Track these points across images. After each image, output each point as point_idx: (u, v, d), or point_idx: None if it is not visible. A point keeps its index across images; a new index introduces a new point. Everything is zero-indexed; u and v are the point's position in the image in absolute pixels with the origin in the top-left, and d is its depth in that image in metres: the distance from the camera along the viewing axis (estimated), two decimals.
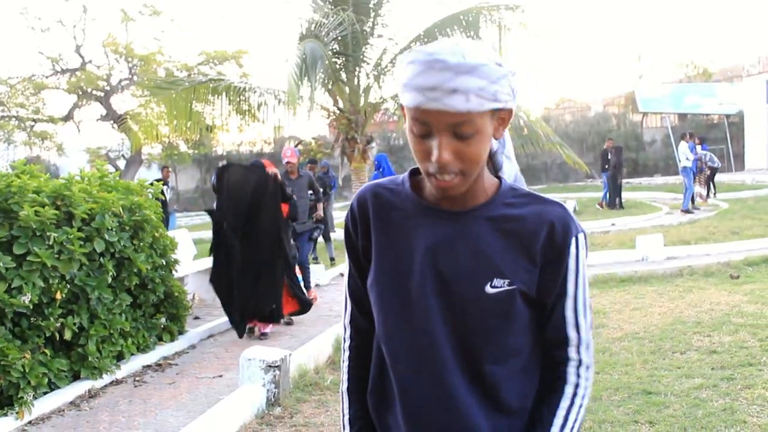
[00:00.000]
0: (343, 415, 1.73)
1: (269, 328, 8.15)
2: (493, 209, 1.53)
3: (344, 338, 1.76)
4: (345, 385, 1.74)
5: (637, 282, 9.48)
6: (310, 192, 10.07)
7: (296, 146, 21.54)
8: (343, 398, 1.74)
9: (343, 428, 1.72)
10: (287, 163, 9.62)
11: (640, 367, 5.80)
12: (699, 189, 19.47)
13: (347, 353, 1.75)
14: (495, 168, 1.66)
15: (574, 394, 1.56)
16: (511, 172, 1.69)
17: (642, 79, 44.66)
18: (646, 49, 56.14)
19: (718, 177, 21.84)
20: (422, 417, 1.56)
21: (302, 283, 8.94)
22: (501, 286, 1.50)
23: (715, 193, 20.84)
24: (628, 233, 13.96)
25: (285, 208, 8.24)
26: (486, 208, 1.54)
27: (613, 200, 20.01)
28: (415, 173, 1.64)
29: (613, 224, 15.87)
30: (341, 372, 1.76)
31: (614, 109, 40.29)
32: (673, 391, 5.20)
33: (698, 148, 19.65)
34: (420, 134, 1.41)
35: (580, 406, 1.56)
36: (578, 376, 1.58)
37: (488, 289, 1.50)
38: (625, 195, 23.95)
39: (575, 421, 1.56)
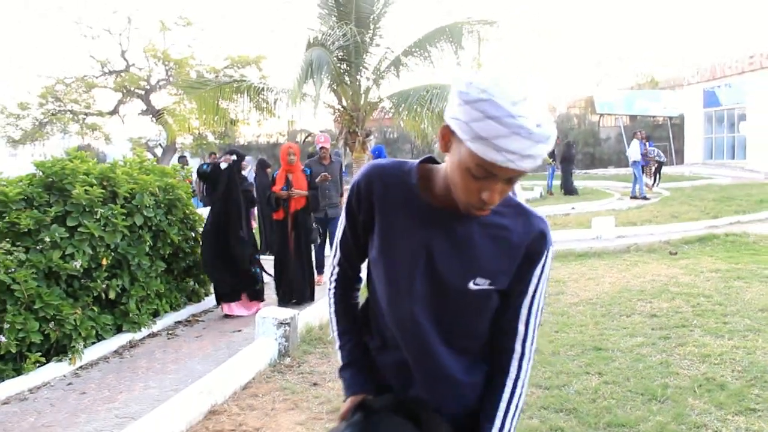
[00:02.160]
0: (333, 331, 1.77)
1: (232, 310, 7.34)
2: (485, 215, 1.48)
3: (332, 273, 1.78)
4: (332, 308, 1.77)
5: (592, 257, 9.49)
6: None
7: (306, 138, 21.31)
8: (331, 318, 1.77)
9: (335, 341, 1.76)
10: (321, 148, 8.73)
11: (592, 328, 5.82)
12: (646, 179, 19.44)
13: (333, 284, 1.76)
14: None
15: (514, 386, 1.56)
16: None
17: (600, 85, 44.46)
18: (603, 58, 55.94)
19: (663, 170, 21.79)
20: (410, 367, 1.58)
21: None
22: (482, 285, 1.50)
23: (658, 183, 20.83)
24: (585, 215, 13.95)
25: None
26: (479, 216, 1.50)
27: (569, 187, 20.01)
28: (424, 162, 1.59)
29: (573, 208, 15.84)
30: (328, 297, 1.79)
31: (576, 110, 40.14)
32: (619, 347, 5.23)
33: (646, 144, 19.63)
34: (478, 177, 1.34)
35: (520, 396, 1.57)
36: (519, 368, 1.57)
37: (471, 286, 1.49)
38: (584, 183, 23.97)
39: (516, 409, 1.57)
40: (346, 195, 1.71)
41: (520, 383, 1.57)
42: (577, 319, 6.15)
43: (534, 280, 1.54)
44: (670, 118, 34.56)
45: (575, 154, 20.77)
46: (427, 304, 1.53)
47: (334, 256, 1.75)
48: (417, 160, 1.60)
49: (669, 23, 61.78)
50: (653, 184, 20.40)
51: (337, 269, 1.76)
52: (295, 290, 7.57)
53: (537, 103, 1.29)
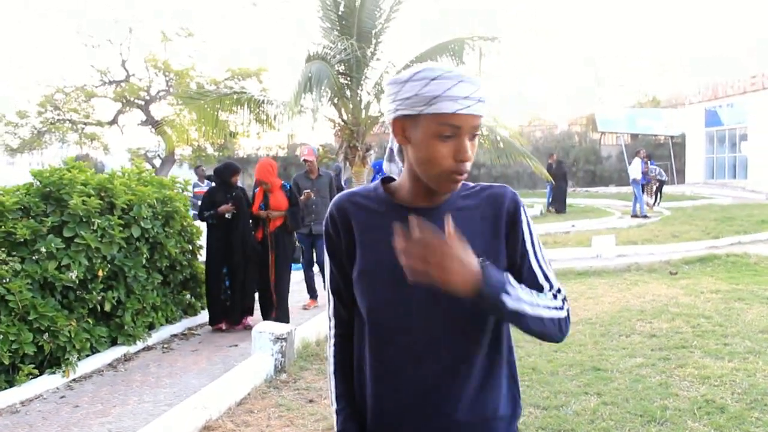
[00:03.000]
0: (331, 392, 1.71)
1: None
2: (455, 202, 1.56)
3: (329, 327, 1.74)
4: (331, 368, 1.72)
5: (592, 275, 9.49)
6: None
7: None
8: (330, 379, 1.72)
9: (332, 403, 1.71)
10: (305, 161, 8.28)
11: (592, 348, 5.81)
12: (647, 198, 19.48)
13: (332, 340, 1.72)
14: None
15: (553, 297, 1.56)
16: None
17: (601, 102, 44.72)
18: (605, 76, 56.29)
19: (663, 189, 21.85)
20: (398, 394, 1.55)
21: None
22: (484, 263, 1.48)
23: (659, 203, 20.87)
24: (585, 234, 13.96)
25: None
26: (450, 203, 1.56)
27: (560, 205, 20.09)
28: (385, 181, 1.66)
29: (573, 226, 15.87)
30: (327, 356, 1.74)
31: (577, 128, 40.28)
32: (618, 368, 5.22)
33: (648, 163, 19.69)
34: (446, 136, 1.44)
35: (556, 308, 1.53)
36: (555, 298, 1.57)
37: None
38: (585, 201, 24.05)
39: (542, 307, 1.50)
40: None
41: (559, 303, 1.56)
42: (576, 338, 6.14)
43: (528, 239, 1.58)
44: (672, 137, 34.71)
45: (566, 171, 20.85)
46: (428, 303, 1.51)
47: (329, 306, 1.73)
48: (377, 180, 1.68)
49: (671, 42, 62.17)
50: (654, 204, 20.44)
51: (333, 321, 1.73)
52: (275, 315, 7.14)
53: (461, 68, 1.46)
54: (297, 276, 9.69)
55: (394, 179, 1.67)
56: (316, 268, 8.41)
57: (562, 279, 9.01)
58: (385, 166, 1.72)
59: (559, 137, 38.21)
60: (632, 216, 17.66)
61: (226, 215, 7.17)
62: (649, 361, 5.37)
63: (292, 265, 7.66)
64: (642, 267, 9.84)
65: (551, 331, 1.53)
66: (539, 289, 1.56)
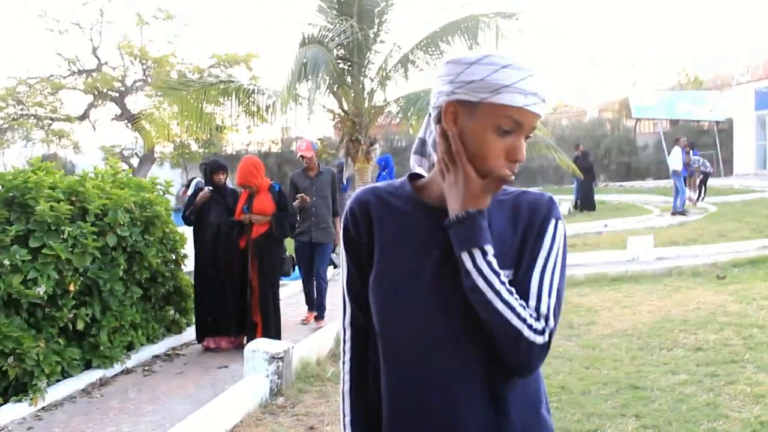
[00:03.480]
0: (344, 416, 1.69)
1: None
2: (491, 206, 1.55)
3: (344, 339, 1.71)
4: (346, 386, 1.69)
5: (628, 281, 9.48)
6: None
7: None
8: (344, 399, 1.69)
9: (344, 428, 1.69)
10: (302, 157, 8.07)
11: (628, 363, 5.81)
12: (690, 193, 19.45)
13: (348, 354, 1.70)
14: None
15: (528, 314, 1.47)
16: None
17: (635, 86, 44.64)
18: (639, 57, 56.17)
19: (708, 181, 21.81)
20: (415, 412, 1.55)
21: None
22: (509, 278, 1.52)
23: (704, 197, 20.81)
24: (619, 234, 13.95)
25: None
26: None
27: (587, 201, 20.11)
28: (413, 178, 1.66)
29: (606, 225, 15.86)
30: (342, 372, 1.71)
31: (608, 115, 40.19)
32: (659, 386, 5.21)
33: (690, 153, 19.65)
34: (505, 131, 1.47)
35: (522, 319, 1.46)
36: (535, 321, 1.47)
37: None
38: (618, 197, 24.02)
39: (515, 312, 1.46)
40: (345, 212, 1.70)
41: (529, 321, 1.47)
42: (610, 353, 6.13)
43: (543, 253, 1.55)
44: (717, 122, 34.58)
45: (592, 164, 20.88)
46: (453, 315, 1.52)
47: (344, 314, 1.71)
48: (404, 176, 1.69)
49: (714, 15, 62.01)
50: (698, 198, 20.39)
51: (349, 332, 1.71)
52: (258, 335, 6.95)
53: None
54: (294, 287, 9.70)
55: (422, 176, 1.67)
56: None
57: (593, 286, 9.05)
58: (414, 159, 1.72)
59: (589, 126, 38.12)
60: (673, 213, 17.64)
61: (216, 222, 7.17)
62: (694, 377, 5.36)
63: (285, 276, 7.62)
64: (685, 271, 9.82)
65: (505, 337, 1.46)
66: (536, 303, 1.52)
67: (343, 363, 1.71)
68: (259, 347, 5.57)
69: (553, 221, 1.58)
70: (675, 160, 17.95)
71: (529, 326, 1.46)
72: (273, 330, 7.00)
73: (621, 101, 38.97)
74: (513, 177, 1.50)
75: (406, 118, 11.34)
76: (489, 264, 1.46)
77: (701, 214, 17.33)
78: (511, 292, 1.46)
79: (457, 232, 1.46)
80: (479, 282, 1.44)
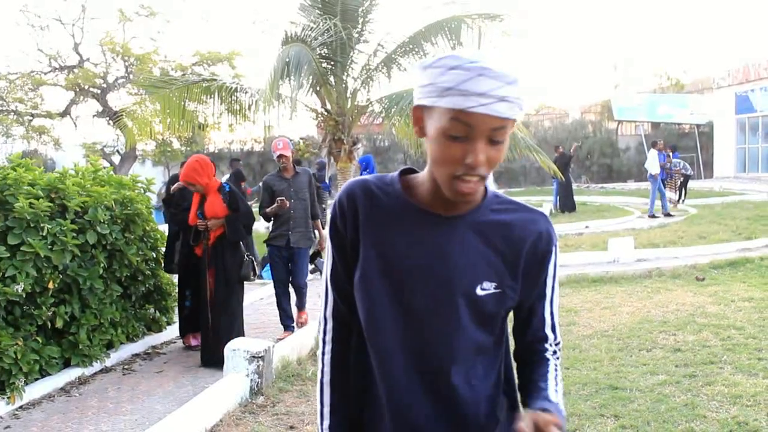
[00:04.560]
0: (323, 405, 1.68)
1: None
2: (482, 215, 1.56)
3: (324, 330, 1.70)
4: (326, 377, 1.68)
5: (608, 282, 9.53)
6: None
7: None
8: (322, 389, 1.68)
9: (322, 418, 1.67)
10: (279, 157, 7.77)
11: (608, 364, 5.84)
12: (670, 194, 19.56)
13: (328, 345, 1.68)
14: None
15: (556, 368, 1.65)
16: (488, 185, 1.69)
17: (618, 88, 44.92)
18: (621, 59, 56.58)
19: (689, 184, 21.97)
20: (411, 410, 1.57)
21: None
22: (489, 289, 1.54)
23: (684, 200, 20.95)
24: (600, 236, 14.02)
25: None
26: (475, 214, 1.57)
27: (566, 202, 20.24)
28: (404, 173, 1.65)
29: (586, 227, 15.93)
30: (320, 363, 1.70)
31: (591, 117, 40.41)
32: (638, 386, 5.24)
33: (670, 155, 19.77)
34: (456, 136, 1.41)
35: (559, 378, 1.65)
36: (556, 359, 1.67)
37: (478, 292, 1.53)
38: (599, 199, 24.14)
39: (560, 385, 1.64)
40: (328, 214, 1.71)
41: (558, 368, 1.67)
42: (590, 353, 6.16)
43: (549, 281, 1.63)
44: (698, 125, 34.90)
45: (567, 162, 20.99)
46: (433, 319, 1.54)
47: (325, 305, 1.70)
48: (396, 172, 1.66)
49: (695, 20, 62.48)
50: (678, 200, 20.52)
51: (330, 323, 1.69)
52: (205, 348, 6.67)
53: (497, 57, 1.42)
54: (268, 290, 9.59)
55: (414, 171, 1.66)
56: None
57: (574, 287, 9.09)
58: None
59: (571, 127, 38.29)
60: (650, 216, 17.72)
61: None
62: (672, 378, 5.40)
63: (264, 274, 7.45)
64: (665, 272, 9.89)
65: None
66: (542, 339, 1.65)
67: (323, 354, 1.70)
68: (239, 346, 5.55)
69: (554, 249, 1.61)
70: (652, 163, 18.02)
71: (558, 368, 1.67)
72: (224, 337, 6.29)
73: (603, 103, 39.25)
74: (471, 183, 1.44)
75: (389, 118, 11.32)
76: (555, 400, 1.59)
77: (681, 217, 17.45)
78: (554, 383, 1.63)
79: None
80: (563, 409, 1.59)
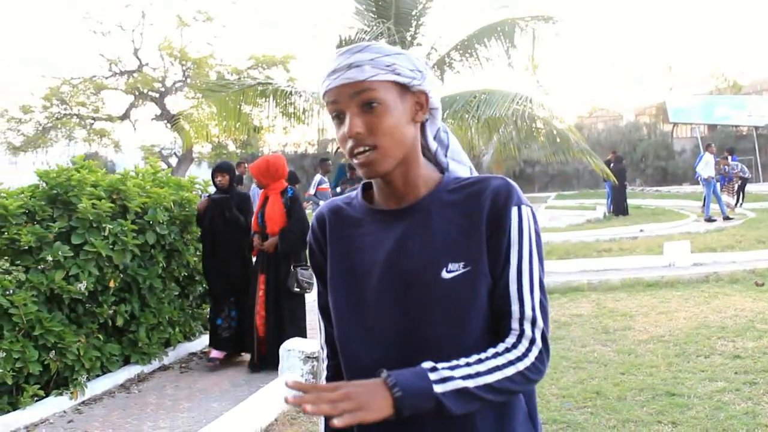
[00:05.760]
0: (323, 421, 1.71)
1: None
2: (437, 198, 1.51)
3: (323, 358, 1.72)
4: None
5: (664, 287, 9.35)
6: None
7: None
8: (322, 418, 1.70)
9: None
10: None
11: (665, 369, 5.72)
12: (728, 198, 19.16)
13: (326, 372, 1.71)
14: (440, 169, 1.62)
15: (506, 350, 1.41)
16: (462, 174, 1.63)
17: (673, 90, 44.15)
18: (676, 61, 55.60)
19: (747, 187, 21.48)
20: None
21: None
22: (457, 270, 1.45)
23: (742, 203, 20.50)
24: (655, 239, 13.77)
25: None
26: (430, 198, 1.52)
27: (620, 206, 19.99)
28: (367, 187, 1.64)
29: (641, 230, 15.68)
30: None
31: (645, 119, 39.83)
32: (696, 393, 5.12)
33: (729, 158, 19.40)
34: (335, 116, 1.47)
35: (509, 363, 1.40)
36: (517, 342, 1.43)
37: (444, 275, 1.45)
38: (654, 202, 23.74)
39: (492, 368, 1.38)
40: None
41: (515, 352, 1.42)
42: (646, 359, 6.04)
43: (514, 248, 1.46)
44: (756, 127, 34.05)
45: (624, 168, 20.73)
46: (403, 317, 1.48)
47: (320, 333, 1.71)
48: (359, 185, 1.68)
49: (752, 21, 61.04)
50: (736, 204, 20.09)
51: (326, 350, 1.70)
52: (263, 353, 6.42)
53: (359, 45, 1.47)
54: None
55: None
56: None
57: (629, 291, 8.93)
58: (453, 166, 1.67)
59: (625, 129, 37.82)
60: (706, 219, 17.38)
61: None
62: (732, 385, 5.26)
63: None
64: (722, 277, 9.65)
65: (512, 388, 1.41)
66: (506, 314, 1.45)
67: (325, 380, 1.72)
68: (294, 346, 5.58)
69: (514, 210, 1.47)
70: (706, 167, 17.62)
71: (517, 359, 1.40)
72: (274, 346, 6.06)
73: (658, 105, 38.63)
74: (360, 155, 1.44)
75: (443, 121, 11.29)
76: (450, 378, 1.34)
77: (739, 220, 17.06)
78: (480, 361, 1.38)
79: (409, 401, 1.29)
80: (463, 385, 1.34)
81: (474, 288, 1.45)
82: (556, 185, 37.11)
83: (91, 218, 5.89)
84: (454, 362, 1.37)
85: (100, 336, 5.96)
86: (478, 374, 1.36)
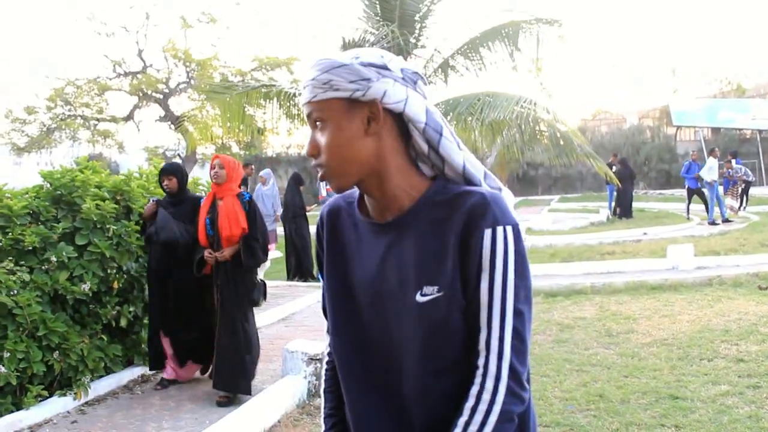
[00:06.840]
0: (322, 411, 1.73)
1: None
2: (420, 212, 1.44)
3: (327, 345, 1.71)
4: (326, 386, 1.72)
5: (667, 290, 9.33)
6: None
7: None
8: (323, 397, 1.72)
9: (322, 422, 1.72)
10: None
11: (668, 373, 5.71)
12: (731, 202, 19.14)
13: (327, 358, 1.73)
14: (436, 171, 1.52)
15: (471, 412, 1.37)
16: (478, 174, 1.51)
17: (676, 93, 44.11)
18: (680, 64, 55.57)
19: (751, 190, 21.44)
20: (364, 428, 1.54)
21: None
22: (431, 294, 1.39)
23: (745, 207, 20.47)
24: (659, 242, 13.76)
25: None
26: (413, 213, 1.45)
27: (624, 209, 20.01)
28: None
29: (644, 233, 15.68)
30: (323, 374, 1.77)
31: (649, 122, 39.80)
32: (700, 396, 5.11)
33: (732, 161, 19.40)
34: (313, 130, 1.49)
35: (482, 425, 1.35)
36: (481, 391, 1.37)
37: (419, 298, 1.40)
38: (657, 205, 23.72)
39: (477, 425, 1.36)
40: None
41: (481, 408, 1.36)
42: (649, 362, 6.04)
43: (485, 268, 1.37)
44: (760, 131, 33.98)
45: (633, 172, 20.80)
46: (381, 337, 1.48)
47: (327, 323, 1.73)
48: None
49: (755, 24, 61.00)
50: (740, 208, 20.05)
51: (329, 339, 1.71)
52: (221, 375, 5.59)
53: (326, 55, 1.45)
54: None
55: None
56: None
57: (632, 294, 8.92)
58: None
59: (628, 132, 37.78)
60: (709, 223, 17.37)
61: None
62: (735, 389, 5.25)
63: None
64: (726, 280, 9.64)
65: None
66: (475, 344, 1.39)
67: (325, 365, 1.75)
68: (297, 348, 5.58)
69: (487, 232, 1.36)
70: (710, 171, 17.62)
71: (488, 410, 1.35)
72: (243, 372, 5.58)
73: (661, 108, 38.60)
74: (318, 170, 1.47)
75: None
76: None
77: (743, 224, 17.03)
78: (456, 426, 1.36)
79: None
80: None
81: (449, 312, 1.39)
82: (560, 188, 37.11)
83: (95, 219, 5.89)
84: None
85: (104, 337, 5.97)
86: None
